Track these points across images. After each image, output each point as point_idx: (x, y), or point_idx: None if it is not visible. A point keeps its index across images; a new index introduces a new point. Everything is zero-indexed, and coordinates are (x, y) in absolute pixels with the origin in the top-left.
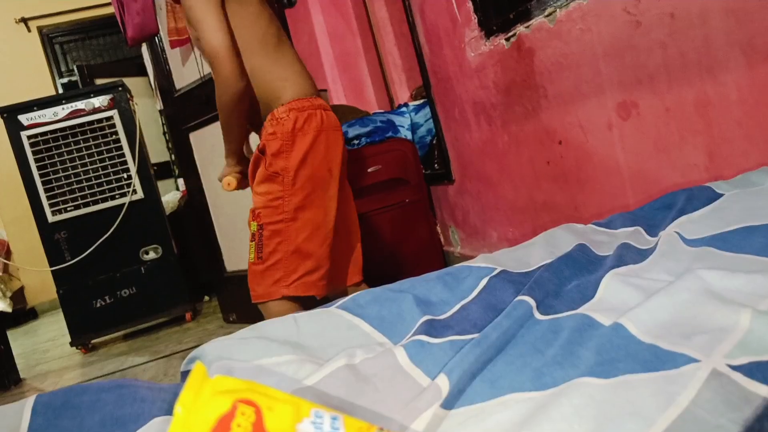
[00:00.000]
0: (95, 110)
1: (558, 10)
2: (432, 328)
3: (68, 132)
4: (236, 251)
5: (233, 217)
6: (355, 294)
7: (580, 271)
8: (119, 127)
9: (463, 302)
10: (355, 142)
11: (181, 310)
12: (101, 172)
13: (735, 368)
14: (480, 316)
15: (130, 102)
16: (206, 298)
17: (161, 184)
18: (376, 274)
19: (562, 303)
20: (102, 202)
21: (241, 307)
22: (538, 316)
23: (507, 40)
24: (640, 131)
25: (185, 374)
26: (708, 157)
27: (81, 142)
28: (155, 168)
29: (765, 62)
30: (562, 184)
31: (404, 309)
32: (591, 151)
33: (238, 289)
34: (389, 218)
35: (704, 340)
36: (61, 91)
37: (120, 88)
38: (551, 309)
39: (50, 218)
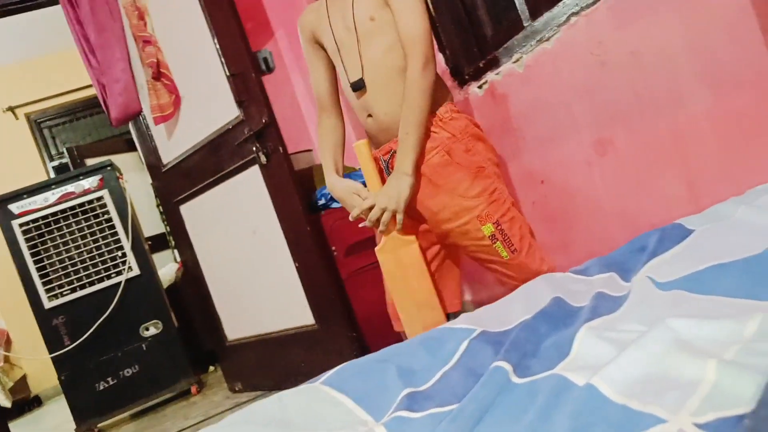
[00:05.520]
0: (85, 192)
1: (524, 55)
2: (413, 402)
3: (60, 216)
4: (236, 319)
5: (230, 285)
6: (339, 367)
7: (556, 326)
8: (110, 207)
9: (444, 369)
10: None
11: (186, 384)
12: (95, 253)
13: (701, 426)
14: (460, 384)
15: (120, 180)
16: (211, 368)
17: (159, 256)
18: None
19: (539, 363)
20: (98, 282)
21: (245, 375)
22: (515, 379)
23: (480, 87)
24: (619, 167)
25: None
26: (688, 189)
27: (73, 224)
28: (150, 243)
29: (731, 93)
30: (550, 224)
31: (387, 382)
32: (573, 189)
33: (241, 357)
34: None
35: (674, 397)
36: (52, 174)
37: (109, 168)
38: (528, 370)
39: (47, 304)
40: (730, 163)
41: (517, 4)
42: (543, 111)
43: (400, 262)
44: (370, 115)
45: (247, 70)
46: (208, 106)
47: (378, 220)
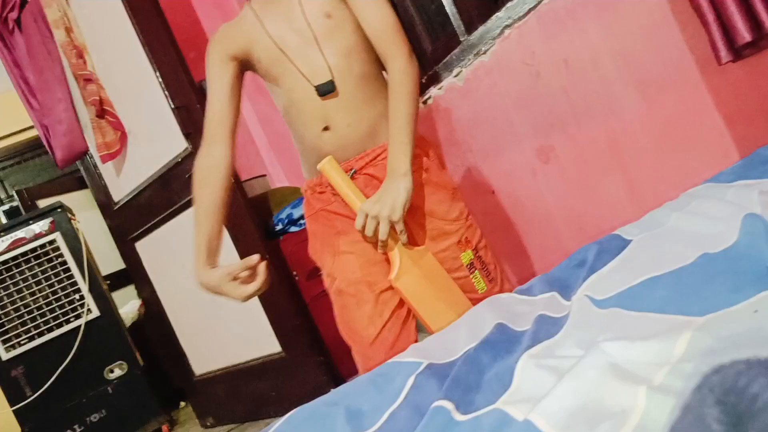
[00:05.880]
0: (37, 236)
1: (463, 69)
2: None
3: (11, 264)
4: (202, 353)
5: (194, 320)
6: (289, 415)
7: (498, 355)
8: (64, 249)
9: (392, 408)
10: (302, 222)
11: (157, 424)
12: (52, 298)
13: None
14: (407, 425)
15: (73, 221)
16: (182, 404)
17: (121, 293)
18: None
19: (481, 397)
20: (57, 328)
21: (216, 409)
22: (457, 417)
23: (424, 103)
24: (562, 173)
25: None
26: (628, 190)
27: (26, 271)
28: (109, 282)
29: (658, 96)
30: (503, 233)
31: (336, 427)
32: (522, 197)
33: (210, 391)
34: None
35: (606, 428)
36: (3, 219)
37: (59, 210)
38: (471, 406)
39: (4, 355)
40: (664, 163)
41: (452, 19)
42: (486, 122)
43: (422, 278)
44: (327, 128)
45: (191, 102)
46: (155, 141)
47: (376, 235)
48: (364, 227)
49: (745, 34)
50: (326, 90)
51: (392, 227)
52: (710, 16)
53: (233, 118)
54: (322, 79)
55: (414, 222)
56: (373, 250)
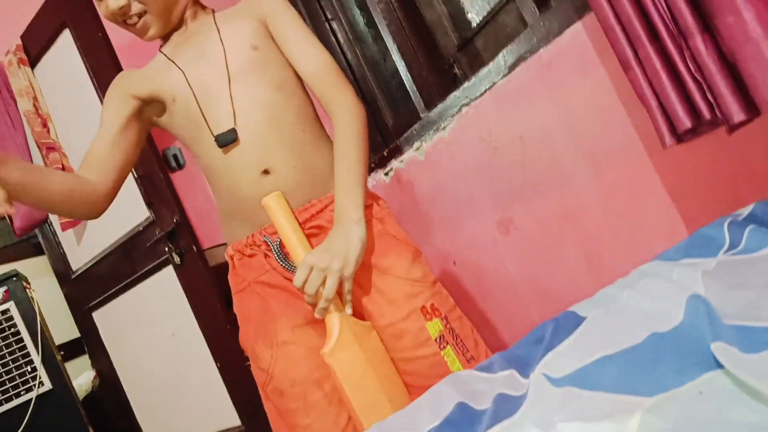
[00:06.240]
0: None
1: (424, 143)
2: None
3: None
4: (160, 427)
5: (151, 392)
6: None
7: None
8: (17, 320)
9: None
10: None
11: None
12: (2, 371)
13: None
14: None
15: (27, 290)
16: None
17: (74, 363)
18: None
19: None
20: (5, 402)
21: None
22: None
23: (386, 174)
24: (522, 244)
25: None
26: (586, 262)
27: None
28: (63, 352)
29: (609, 172)
30: (467, 305)
31: None
32: (484, 268)
33: None
34: None
35: None
36: None
37: (15, 278)
38: None
39: None
40: (617, 237)
41: (412, 96)
42: (447, 195)
43: (361, 359)
44: (266, 171)
45: (154, 171)
46: (117, 209)
47: (317, 294)
48: (304, 283)
49: (685, 122)
50: (225, 140)
51: (339, 286)
52: (653, 103)
53: (118, 158)
54: (223, 126)
55: (363, 284)
56: (318, 334)
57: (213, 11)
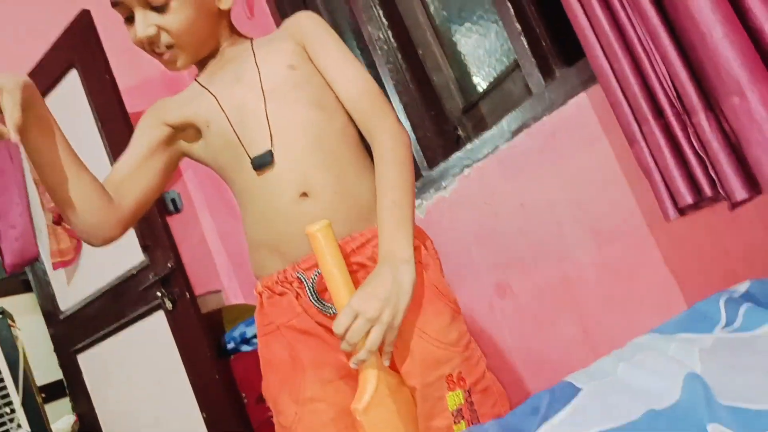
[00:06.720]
0: None
1: (425, 202)
2: None
3: None
4: None
5: None
6: None
7: None
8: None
9: None
10: (255, 340)
11: None
12: None
13: None
14: None
15: (12, 328)
16: None
17: (54, 406)
18: None
19: None
20: None
21: None
22: None
23: None
24: (518, 310)
25: None
26: (582, 331)
27: None
28: (44, 395)
29: (610, 244)
30: None
31: None
32: (479, 331)
33: None
34: None
35: None
36: None
37: (0, 315)
38: None
39: None
40: (615, 308)
41: (415, 154)
42: (445, 255)
43: (394, 418)
44: (305, 194)
45: (152, 214)
46: (111, 251)
47: (356, 343)
48: (346, 331)
49: (687, 197)
50: (261, 162)
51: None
52: (656, 177)
53: (141, 183)
54: (261, 148)
55: (399, 337)
56: (350, 389)
57: (252, 39)
